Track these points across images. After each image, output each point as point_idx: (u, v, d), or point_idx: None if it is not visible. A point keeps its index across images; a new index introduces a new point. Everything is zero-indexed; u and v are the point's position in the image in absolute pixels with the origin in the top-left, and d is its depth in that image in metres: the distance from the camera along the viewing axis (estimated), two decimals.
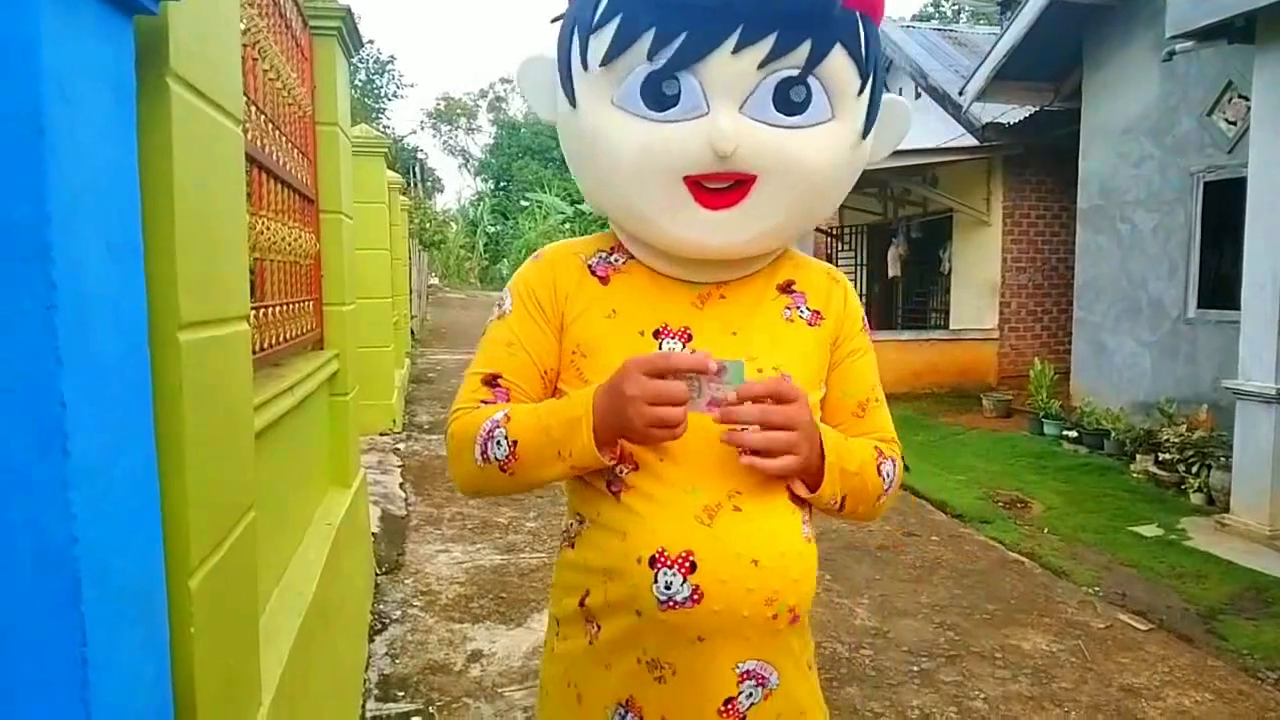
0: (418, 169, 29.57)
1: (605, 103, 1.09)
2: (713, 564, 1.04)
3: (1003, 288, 10.08)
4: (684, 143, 1.06)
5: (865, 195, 12.35)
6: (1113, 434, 6.79)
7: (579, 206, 32.32)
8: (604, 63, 1.07)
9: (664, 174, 1.09)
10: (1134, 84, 7.39)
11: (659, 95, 1.06)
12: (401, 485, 5.74)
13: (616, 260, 1.22)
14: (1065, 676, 3.24)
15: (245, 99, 2.02)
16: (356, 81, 27.40)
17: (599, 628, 1.13)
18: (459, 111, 46.44)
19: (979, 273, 10.44)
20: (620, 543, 1.08)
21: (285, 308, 2.53)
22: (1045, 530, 5.11)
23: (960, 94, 9.24)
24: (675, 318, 1.16)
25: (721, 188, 1.09)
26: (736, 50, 1.02)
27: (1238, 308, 5.08)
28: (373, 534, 4.27)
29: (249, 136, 2.05)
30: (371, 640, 3.44)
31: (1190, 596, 4.07)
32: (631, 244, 1.21)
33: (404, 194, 12.85)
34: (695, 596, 1.04)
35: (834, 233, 13.32)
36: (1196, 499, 5.57)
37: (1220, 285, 6.92)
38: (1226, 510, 5.11)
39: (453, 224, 38.31)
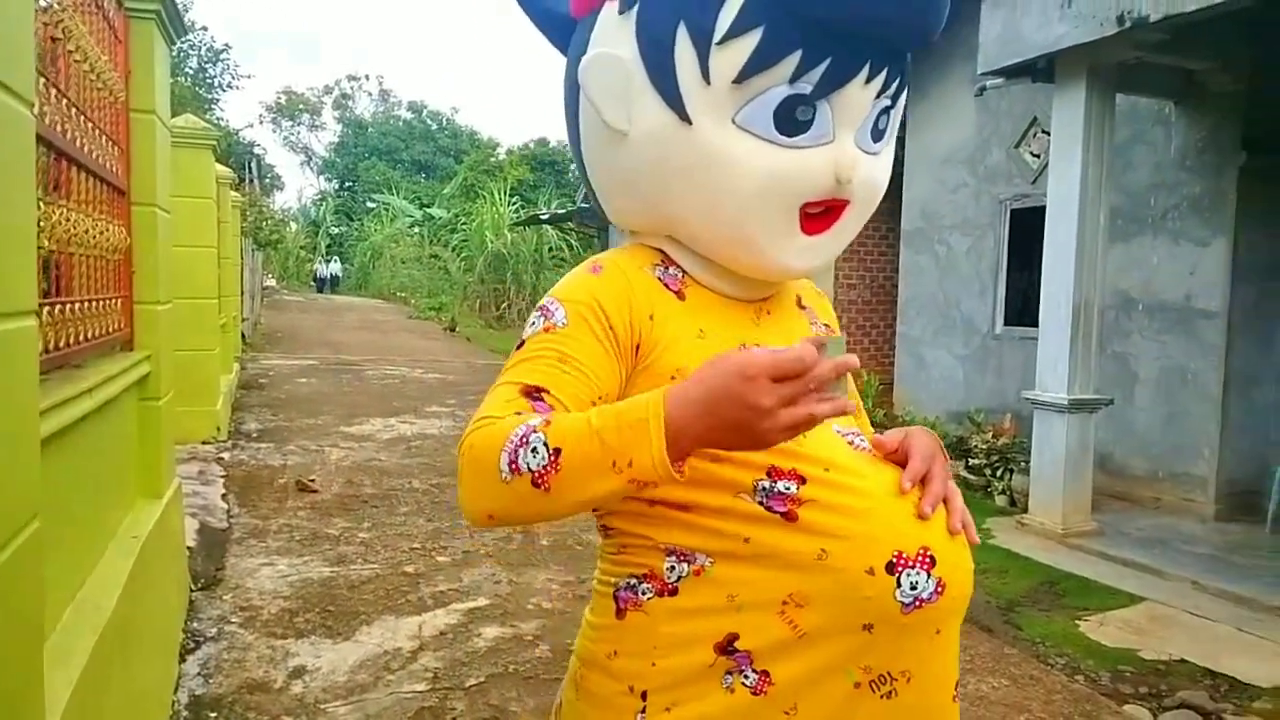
0: (254, 164, 28.14)
1: (726, 121, 1.01)
2: (946, 553, 1.00)
3: (835, 303, 10.60)
4: (812, 170, 1.03)
5: None
6: None
7: (428, 210, 31.68)
8: (738, 80, 0.99)
9: (787, 200, 1.05)
10: (952, 116, 7.97)
11: (792, 121, 1.01)
12: (224, 496, 5.44)
13: (676, 274, 1.12)
14: None
15: (43, 80, 1.88)
16: (186, 70, 25.81)
17: (766, 673, 0.99)
18: (302, 107, 44.53)
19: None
20: (819, 562, 0.98)
21: (88, 304, 2.36)
22: None
23: None
24: (748, 335, 1.11)
25: (819, 213, 1.07)
26: (869, 80, 1.01)
27: (1038, 325, 5.56)
28: (188, 547, 4.03)
29: (46, 120, 1.91)
30: (183, 660, 3.25)
31: (992, 590, 4.41)
32: (692, 263, 1.13)
33: (236, 190, 12.20)
34: (939, 589, 0.99)
35: None
36: (1000, 501, 6.04)
37: (1024, 305, 7.55)
38: (1026, 511, 5.57)
39: (292, 224, 36.69)
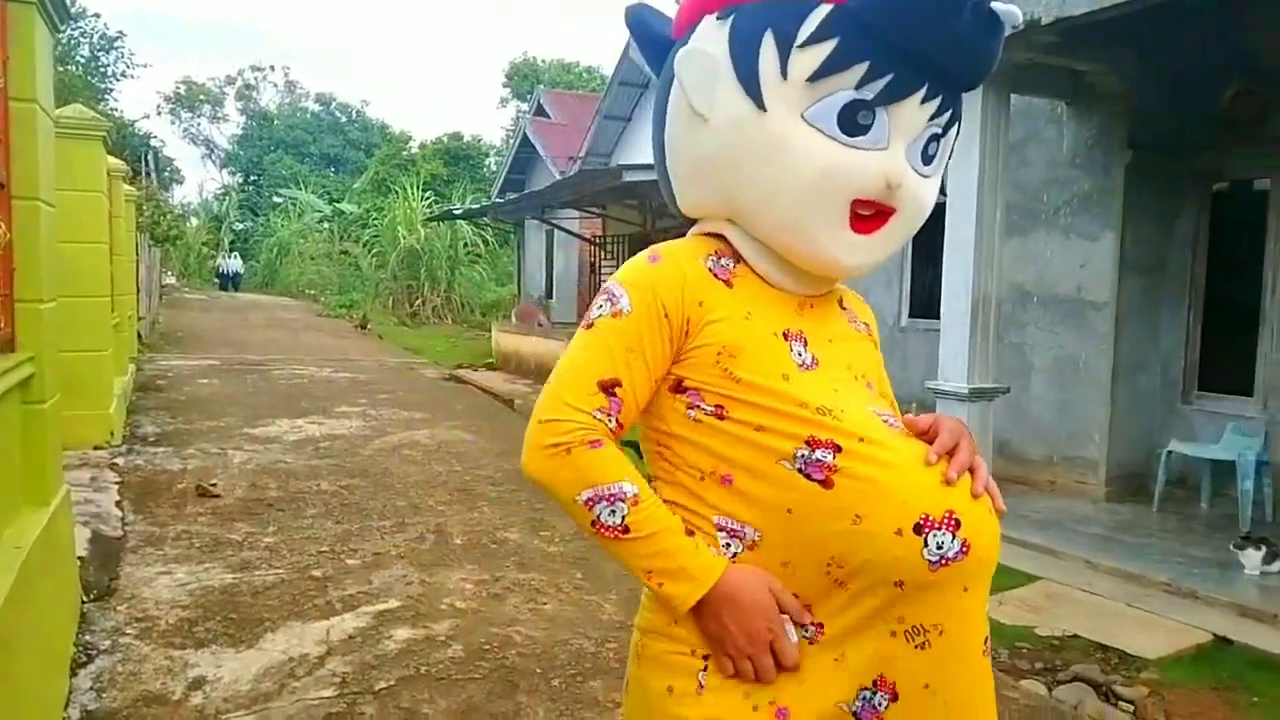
0: (150, 157, 26.96)
1: (796, 114, 1.14)
2: (971, 516, 1.11)
3: None
4: (866, 170, 1.14)
5: (626, 207, 12.75)
6: None
7: (338, 205, 30.88)
8: (811, 79, 1.12)
9: (839, 194, 1.15)
10: None
11: (853, 123, 1.13)
12: (118, 503, 5.20)
13: (727, 264, 1.23)
14: None
15: None
16: (77, 58, 24.56)
17: (820, 625, 1.13)
18: (202, 98, 42.87)
19: None
20: (854, 526, 1.09)
21: None
22: None
23: None
24: (790, 322, 1.22)
25: (868, 215, 1.17)
26: (924, 100, 1.14)
27: (940, 318, 5.74)
28: (79, 557, 3.84)
29: None
30: (74, 674, 3.09)
31: None
32: (751, 249, 1.23)
33: (131, 183, 11.68)
34: (964, 549, 1.09)
35: (597, 241, 13.62)
36: None
37: (929, 298, 7.78)
38: None
39: (193, 219, 35.31)
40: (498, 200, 16.21)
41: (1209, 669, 3.51)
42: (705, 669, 1.12)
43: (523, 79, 35.41)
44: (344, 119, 42.66)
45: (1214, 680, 3.40)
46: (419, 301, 22.63)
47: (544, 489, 1.13)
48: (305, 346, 15.38)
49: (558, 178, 12.81)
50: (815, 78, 1.11)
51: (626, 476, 1.09)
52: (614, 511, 1.08)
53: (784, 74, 1.12)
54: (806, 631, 1.12)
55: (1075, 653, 3.64)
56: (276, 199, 34.97)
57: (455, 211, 17.84)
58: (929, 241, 7.46)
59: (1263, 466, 5.28)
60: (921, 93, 1.13)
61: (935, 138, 1.20)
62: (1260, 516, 5.19)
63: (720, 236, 1.25)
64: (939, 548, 1.08)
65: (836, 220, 1.16)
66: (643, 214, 12.77)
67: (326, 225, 30.27)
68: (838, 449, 1.10)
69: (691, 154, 1.24)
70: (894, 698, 1.12)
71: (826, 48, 1.10)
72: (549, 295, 18.79)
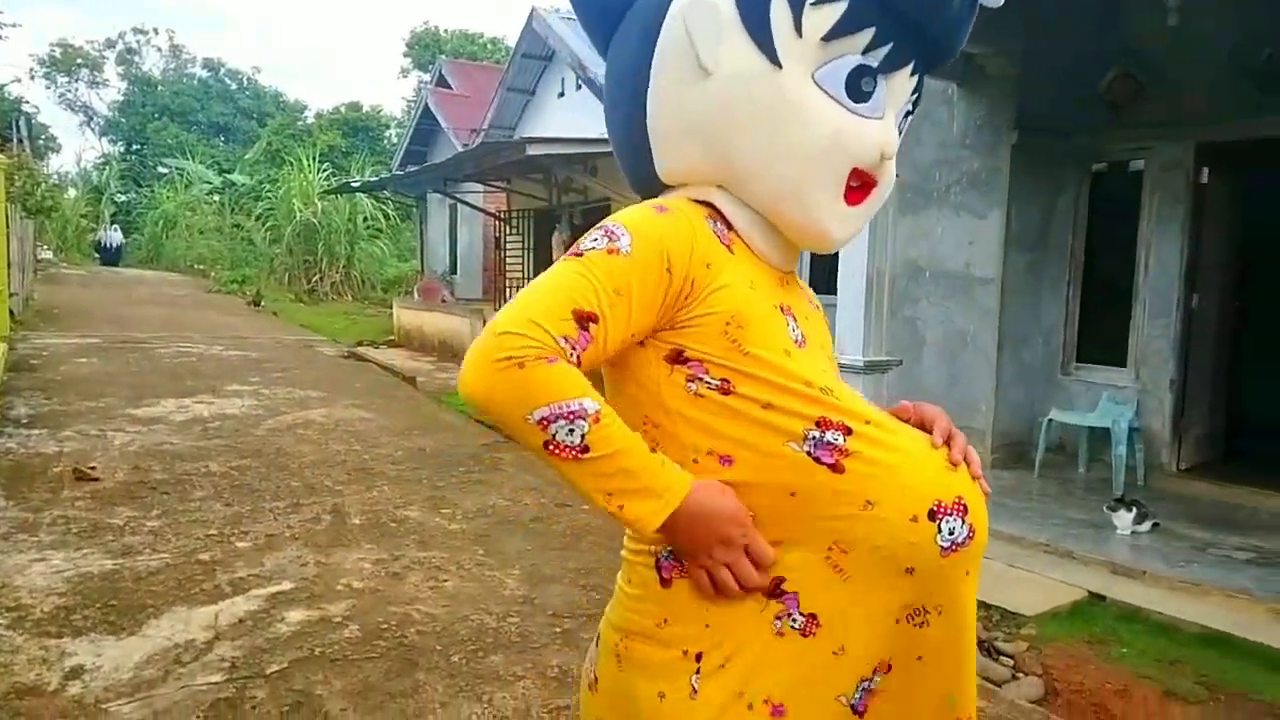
0: (22, 124, 25.23)
1: (807, 75, 1.09)
2: (974, 502, 1.10)
3: None
4: (867, 139, 1.11)
5: (532, 181, 12.60)
6: None
7: (228, 176, 29.58)
8: (826, 38, 1.08)
9: (842, 161, 1.12)
10: None
11: (858, 89, 1.10)
12: None
13: (722, 229, 1.15)
14: None
15: None
16: None
17: (813, 616, 1.08)
18: (80, 61, 40.28)
19: None
20: (864, 511, 1.06)
21: None
22: None
23: None
24: (781, 296, 1.16)
25: (856, 186, 1.14)
26: (912, 73, 1.14)
27: (838, 293, 5.86)
28: None
29: None
30: None
31: None
32: (743, 218, 1.17)
33: (1, 152, 10.91)
34: (971, 533, 1.09)
35: (502, 216, 13.43)
36: None
37: (829, 274, 7.95)
38: None
39: (71, 190, 33.28)
40: (398, 173, 15.79)
41: (1083, 623, 3.72)
42: (698, 672, 1.07)
43: (424, 49, 34.48)
44: (234, 86, 40.74)
45: (1088, 634, 3.61)
46: (317, 277, 21.90)
47: (487, 408, 0.99)
48: (194, 324, 14.72)
49: (460, 150, 12.54)
50: (830, 37, 1.08)
51: (588, 393, 0.99)
52: (573, 430, 0.98)
53: (799, 31, 1.07)
54: (795, 623, 1.07)
55: None
56: (162, 169, 33.23)
57: (354, 184, 17.31)
58: None
59: (1134, 433, 5.61)
60: (910, 66, 1.13)
61: (908, 114, 1.20)
62: (1132, 480, 5.52)
63: (706, 204, 1.17)
64: (951, 533, 1.07)
65: (834, 190, 1.13)
66: (548, 188, 12.65)
67: (216, 197, 28.92)
68: (848, 431, 1.07)
69: (686, 112, 1.14)
70: (887, 670, 1.11)
71: (839, 7, 1.07)
72: (453, 271, 18.47)
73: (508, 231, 13.16)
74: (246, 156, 31.56)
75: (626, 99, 1.20)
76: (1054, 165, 6.30)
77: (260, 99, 40.03)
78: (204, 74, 41.32)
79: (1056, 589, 4.02)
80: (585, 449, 0.98)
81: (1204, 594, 3.74)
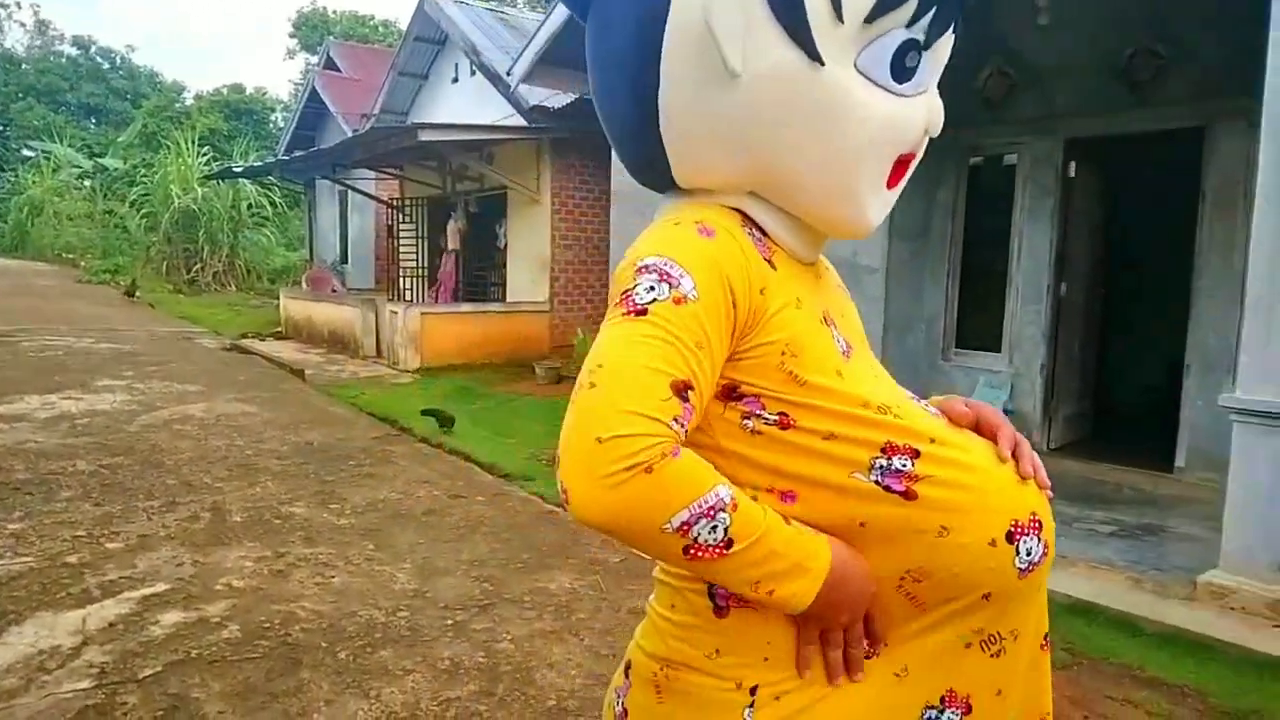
0: None
1: (849, 64, 0.97)
2: (1047, 517, 1.03)
3: (553, 263, 10.73)
4: (914, 120, 1.03)
5: (425, 168, 12.34)
6: None
7: (100, 160, 27.92)
8: (869, 18, 0.95)
9: (891, 148, 1.02)
10: None
11: (903, 67, 0.99)
12: None
13: (759, 238, 1.03)
14: (584, 608, 3.56)
15: None
16: None
17: (884, 645, 1.01)
18: None
19: (532, 248, 11.00)
20: (940, 538, 0.97)
21: None
22: None
23: (508, 74, 9.57)
24: (821, 300, 1.07)
25: (896, 167, 1.05)
26: (953, 34, 1.03)
27: None
28: None
29: None
30: None
31: None
32: (776, 222, 1.05)
33: None
34: (1045, 551, 1.03)
35: (395, 204, 13.11)
36: None
37: None
38: None
39: None
40: (284, 158, 15.20)
41: None
42: (751, 705, 0.98)
43: (311, 30, 33.32)
44: (106, 65, 38.46)
45: None
46: (197, 267, 20.92)
47: (614, 530, 0.86)
48: (62, 315, 13.86)
49: (350, 135, 12.17)
50: (873, 16, 0.95)
51: (719, 480, 0.89)
52: (715, 527, 0.86)
53: (839, 15, 0.95)
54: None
55: None
56: (27, 152, 31.05)
57: (236, 169, 16.57)
58: None
59: (1008, 415, 5.88)
60: (952, 27, 1.03)
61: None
62: None
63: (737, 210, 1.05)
64: (1029, 554, 1.00)
65: (880, 179, 1.04)
66: (442, 175, 12.43)
67: (87, 182, 27.27)
68: (915, 454, 0.99)
69: (711, 119, 1.00)
70: (967, 710, 1.02)
71: None
72: (344, 260, 17.95)
73: (401, 220, 12.86)
74: (120, 140, 29.82)
75: (625, 95, 1.05)
76: (934, 158, 6.53)
77: (135, 79, 37.93)
78: (73, 52, 38.88)
79: None
80: (730, 543, 0.88)
81: (1070, 565, 3.96)
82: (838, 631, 0.97)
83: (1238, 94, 4.86)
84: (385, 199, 13.83)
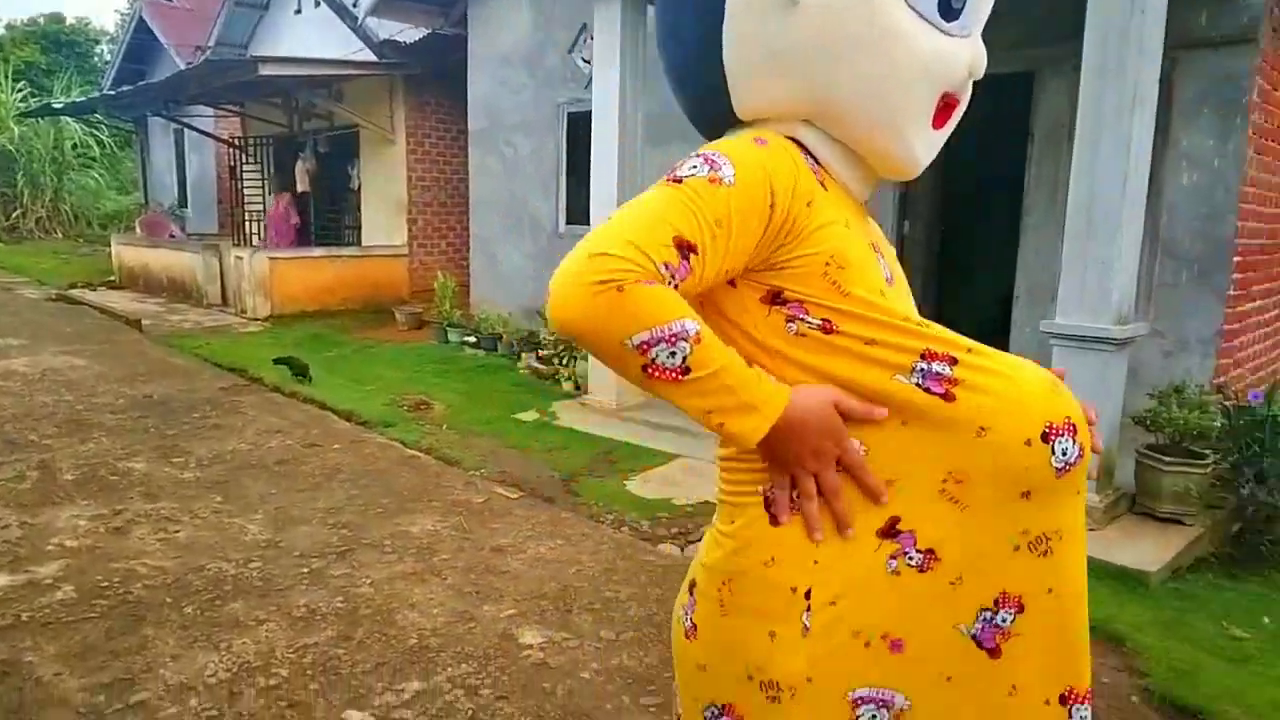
0: None
1: None
2: (1079, 419, 1.08)
3: (410, 205, 10.39)
4: (958, 60, 1.08)
5: (269, 105, 11.64)
6: (504, 337, 7.55)
7: None
8: None
9: (936, 86, 1.08)
10: (509, 17, 8.05)
11: (949, 6, 1.05)
12: None
13: (813, 164, 1.09)
14: (446, 549, 3.55)
15: None
16: None
17: (931, 551, 1.05)
18: None
19: (387, 190, 10.61)
20: (979, 438, 1.04)
21: None
22: (444, 427, 5.49)
23: (354, 5, 9.11)
24: (868, 233, 1.12)
25: (942, 108, 1.10)
26: None
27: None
28: None
29: None
30: None
31: (556, 465, 4.74)
32: (831, 152, 1.11)
33: None
34: (1081, 452, 1.07)
35: (237, 144, 12.33)
36: (567, 386, 6.48)
37: (585, 205, 8.01)
38: (587, 393, 6.04)
39: None
40: (110, 93, 13.99)
41: None
42: (809, 609, 1.04)
43: None
44: None
45: None
46: (18, 213, 19.14)
47: (581, 333, 0.95)
48: None
49: (183, 69, 11.31)
50: None
51: (688, 314, 0.96)
52: (674, 353, 0.95)
53: None
54: (911, 560, 1.06)
55: (705, 517, 4.05)
56: None
57: (57, 106, 15.13)
58: (584, 148, 7.68)
59: None
60: None
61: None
62: None
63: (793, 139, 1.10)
64: (1064, 453, 1.06)
65: (926, 116, 1.10)
66: (287, 113, 11.76)
67: None
68: (953, 360, 1.05)
69: (771, 46, 1.07)
70: (1020, 609, 1.08)
71: None
72: (182, 204, 16.82)
73: (244, 160, 12.11)
74: None
75: (692, 32, 1.12)
76: None
77: None
78: None
79: None
80: (686, 370, 0.96)
81: None
82: (808, 480, 1.03)
83: (1063, 41, 5.16)
84: (226, 138, 12.99)
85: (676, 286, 0.96)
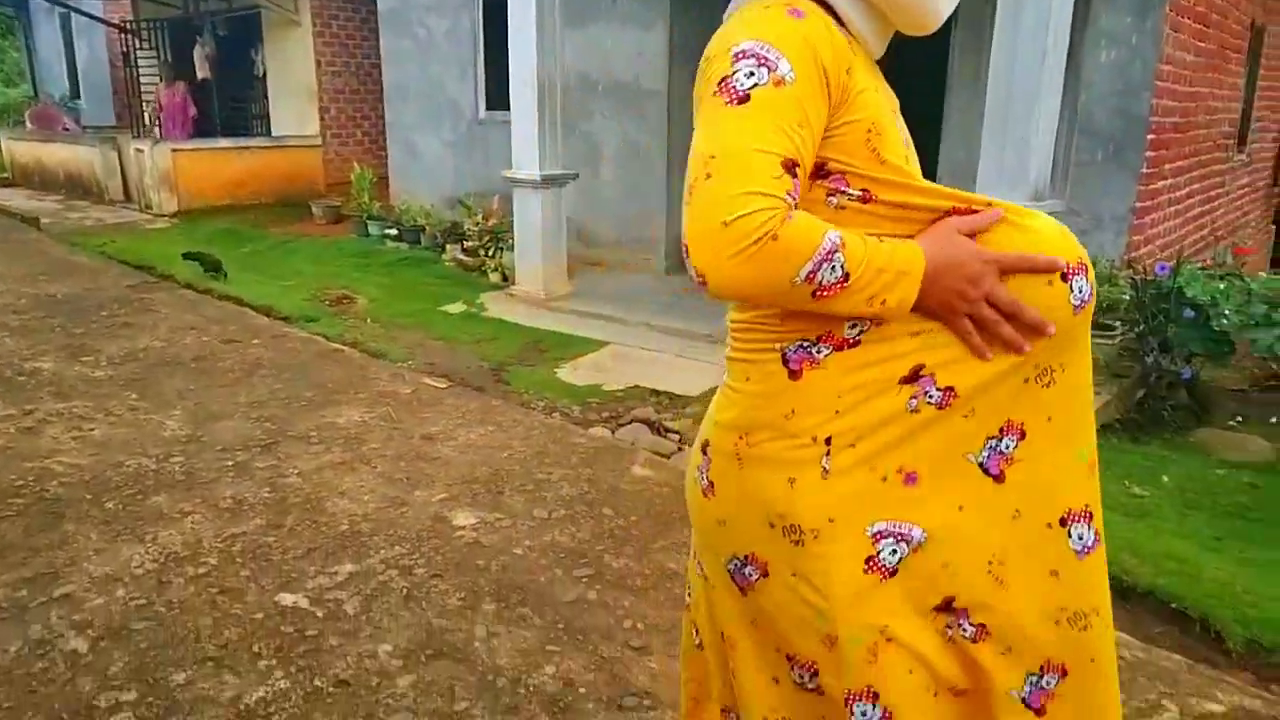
0: None
1: None
2: (1088, 262, 1.11)
3: (320, 93, 9.90)
4: None
5: None
6: (427, 229, 7.35)
7: None
8: None
9: None
10: None
11: None
12: None
13: (840, 29, 1.06)
14: (374, 439, 3.53)
15: None
16: None
17: (950, 389, 1.07)
18: None
19: (295, 77, 10.06)
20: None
21: None
22: (368, 321, 5.38)
23: None
24: (889, 97, 1.11)
25: None
26: None
27: None
28: None
29: None
30: None
31: (484, 356, 4.71)
32: (857, 13, 1.10)
33: None
34: (1091, 292, 1.10)
35: (129, 28, 11.47)
36: (494, 278, 6.39)
37: (505, 89, 7.73)
38: (514, 283, 5.97)
39: None
40: None
41: None
42: (828, 454, 1.06)
43: None
44: None
45: None
46: None
47: (754, 295, 0.98)
48: None
49: None
50: None
51: (825, 226, 0.97)
52: (834, 267, 0.96)
53: None
54: (931, 398, 1.07)
55: (635, 400, 4.10)
56: None
57: None
58: (502, 29, 7.36)
59: None
60: None
61: None
62: None
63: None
64: (1080, 291, 1.09)
65: None
66: None
67: None
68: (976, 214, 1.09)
69: None
70: (1021, 436, 1.11)
71: None
72: (75, 95, 15.70)
73: (139, 45, 11.31)
74: None
75: None
76: None
77: None
78: None
79: (717, 371, 4.42)
80: (847, 276, 0.97)
81: None
82: (979, 306, 1.05)
83: None
84: (116, 22, 12.07)
85: (796, 204, 0.97)
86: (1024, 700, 1.12)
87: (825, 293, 0.97)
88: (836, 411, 1.07)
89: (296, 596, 2.43)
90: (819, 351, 1.06)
